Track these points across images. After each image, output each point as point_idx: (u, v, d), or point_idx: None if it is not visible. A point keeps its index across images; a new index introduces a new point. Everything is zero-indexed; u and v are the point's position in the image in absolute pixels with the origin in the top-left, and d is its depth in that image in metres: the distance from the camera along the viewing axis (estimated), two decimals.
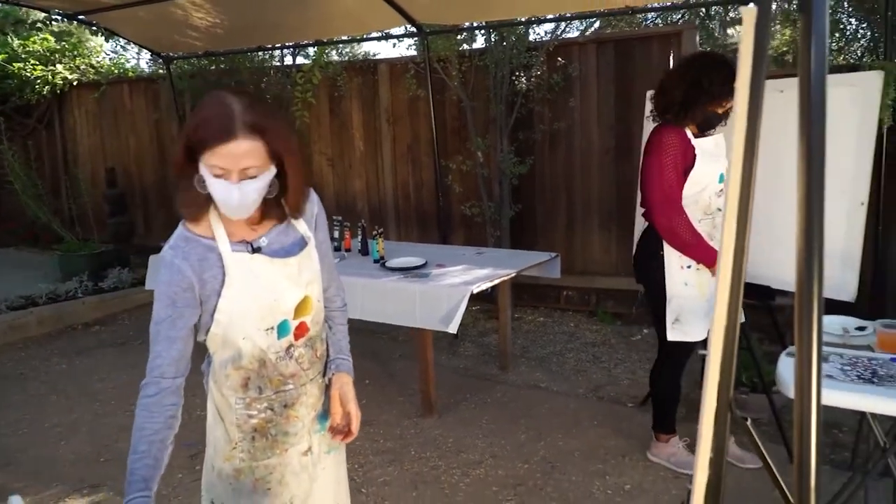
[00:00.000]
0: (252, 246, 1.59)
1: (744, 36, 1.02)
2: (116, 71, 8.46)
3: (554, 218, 5.72)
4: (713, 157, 2.97)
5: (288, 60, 6.72)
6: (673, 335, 3.07)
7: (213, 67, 6.62)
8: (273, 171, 1.50)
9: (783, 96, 3.25)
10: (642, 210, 3.21)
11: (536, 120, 5.55)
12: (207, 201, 1.52)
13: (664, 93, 2.96)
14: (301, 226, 1.69)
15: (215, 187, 1.45)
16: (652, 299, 3.23)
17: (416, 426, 3.79)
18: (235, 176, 1.43)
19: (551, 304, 5.81)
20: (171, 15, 4.89)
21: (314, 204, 1.73)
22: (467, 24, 5.19)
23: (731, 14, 8.37)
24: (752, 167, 1.04)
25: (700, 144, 2.94)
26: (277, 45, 6.37)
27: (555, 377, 4.44)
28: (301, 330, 1.67)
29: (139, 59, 8.87)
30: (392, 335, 5.27)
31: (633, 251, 3.32)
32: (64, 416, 4.05)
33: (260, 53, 6.54)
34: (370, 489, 3.16)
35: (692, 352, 3.22)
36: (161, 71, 6.81)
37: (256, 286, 1.56)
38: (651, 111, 3.10)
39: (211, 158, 1.42)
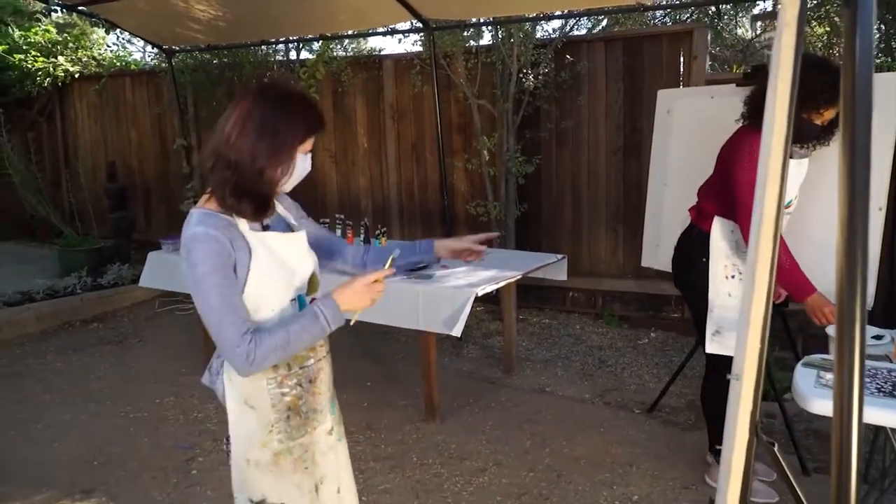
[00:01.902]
0: (262, 224, 1.69)
1: (784, 28, 0.92)
2: (119, 63, 8.37)
3: (560, 218, 5.63)
4: (791, 179, 2.77)
5: (292, 55, 6.62)
6: (712, 347, 2.95)
7: (215, 61, 6.52)
8: None
9: None
10: (691, 210, 3.08)
11: (543, 118, 5.45)
12: (273, 198, 1.71)
13: (759, 93, 2.75)
14: (286, 214, 1.83)
15: (306, 162, 1.67)
16: (693, 308, 3.11)
17: (419, 431, 3.70)
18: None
19: (557, 306, 5.72)
20: (173, 7, 4.80)
21: (297, 207, 1.91)
22: (474, 19, 5.08)
23: (741, 14, 8.27)
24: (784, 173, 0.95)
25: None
26: (281, 39, 6.28)
27: (560, 381, 4.34)
28: None
29: (144, 53, 8.78)
30: (394, 336, 5.18)
31: (672, 255, 3.17)
32: (57, 416, 3.96)
33: (263, 47, 6.44)
34: (370, 497, 3.07)
35: None
36: (163, 64, 6.72)
37: (275, 259, 1.64)
38: (742, 112, 2.86)
39: (311, 141, 1.65)
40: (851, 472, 0.99)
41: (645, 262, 4.05)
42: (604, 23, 7.30)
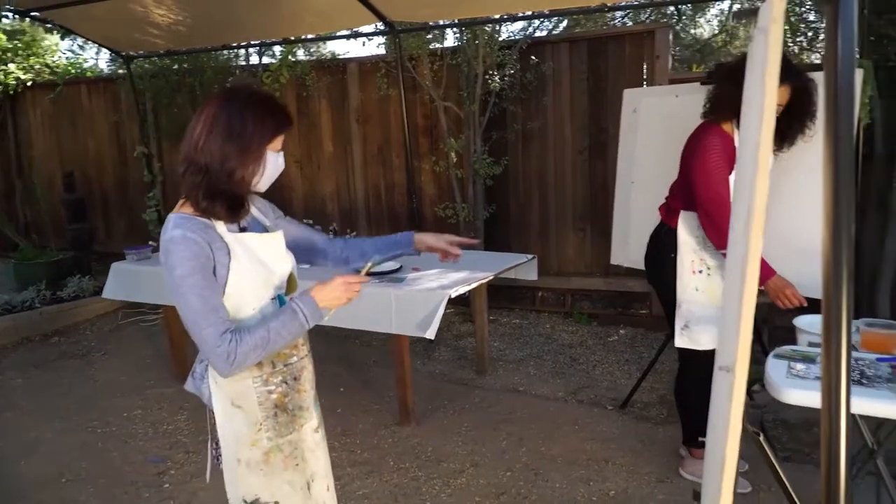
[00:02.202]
0: (239, 225, 1.72)
1: (772, 24, 0.93)
2: (73, 71, 8.18)
3: (528, 218, 5.65)
4: None
5: (254, 59, 6.55)
6: (681, 341, 3.00)
7: (175, 67, 6.41)
8: None
9: None
10: (663, 207, 3.12)
11: (510, 119, 5.48)
12: (247, 198, 1.71)
13: (718, 91, 2.81)
14: (261, 218, 1.85)
15: (277, 161, 1.68)
16: (664, 303, 3.15)
17: (394, 435, 3.68)
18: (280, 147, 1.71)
19: (526, 306, 5.74)
20: (131, 12, 4.70)
21: (273, 207, 1.94)
22: (439, 21, 5.08)
23: (698, 15, 8.43)
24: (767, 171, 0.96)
25: None
26: (242, 44, 6.20)
27: (533, 380, 4.36)
28: None
29: (98, 59, 8.60)
30: (365, 340, 5.15)
31: (645, 252, 3.21)
32: (21, 434, 3.84)
33: (224, 52, 6.35)
34: (349, 503, 3.04)
35: (712, 361, 3.11)
36: (121, 71, 6.58)
37: (253, 259, 1.66)
38: (703, 110, 2.91)
39: (280, 140, 1.67)
40: (841, 458, 1.01)
41: (614, 260, 4.09)
42: (563, 24, 7.36)
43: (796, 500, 1.78)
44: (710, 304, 2.95)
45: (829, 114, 0.90)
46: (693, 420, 3.13)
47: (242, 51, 6.43)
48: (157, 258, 4.59)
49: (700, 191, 2.76)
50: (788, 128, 2.77)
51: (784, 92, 2.69)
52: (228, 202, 1.62)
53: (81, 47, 7.93)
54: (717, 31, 8.95)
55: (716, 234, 2.78)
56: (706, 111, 2.86)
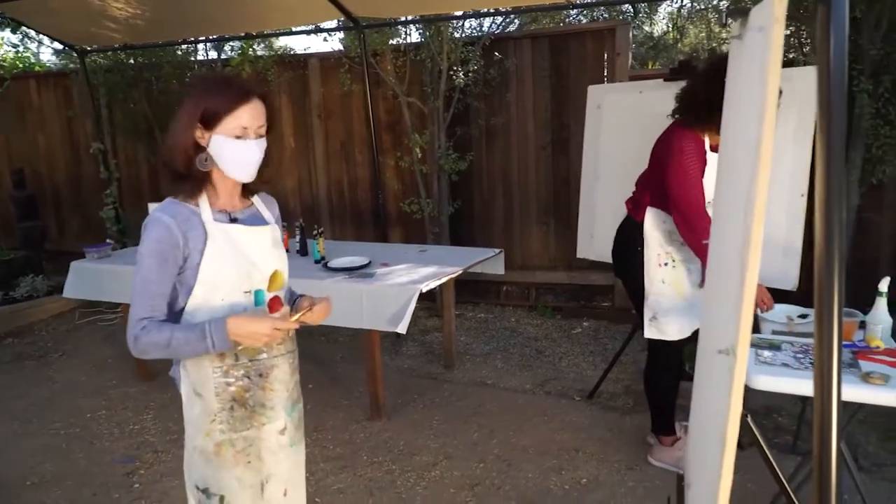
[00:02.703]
0: (230, 215, 1.74)
1: (774, 23, 0.97)
2: (21, 65, 7.93)
3: (492, 214, 5.71)
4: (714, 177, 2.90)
5: (213, 54, 6.45)
6: (649, 333, 3.07)
7: (131, 61, 6.27)
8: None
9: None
10: (627, 202, 3.19)
11: (473, 115, 5.52)
12: (204, 180, 1.69)
13: (690, 91, 2.85)
14: (265, 213, 1.85)
15: (235, 148, 1.63)
16: (632, 296, 3.22)
17: (365, 430, 3.69)
18: (253, 134, 1.65)
19: (491, 300, 5.80)
20: (88, 5, 4.59)
21: (275, 206, 1.92)
22: (403, 17, 5.09)
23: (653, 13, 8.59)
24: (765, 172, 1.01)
25: (712, 158, 2.83)
26: (201, 39, 6.11)
27: (501, 373, 4.41)
28: (276, 303, 1.78)
29: (40, 52, 8.32)
30: (332, 337, 5.14)
31: (612, 245, 3.27)
32: None
33: (183, 47, 6.24)
34: (324, 498, 3.04)
35: (681, 351, 3.20)
36: (73, 65, 6.41)
37: (234, 250, 1.68)
38: (673, 108, 2.95)
39: (233, 120, 1.62)
40: (832, 443, 1.05)
41: (580, 254, 4.16)
42: (517, 22, 7.35)
43: (783, 479, 1.85)
44: (676, 296, 3.04)
45: (822, 111, 0.94)
46: (662, 408, 3.21)
47: (201, 45, 6.33)
48: (117, 256, 4.50)
49: (678, 195, 2.83)
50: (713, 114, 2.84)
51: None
52: (188, 185, 1.67)
53: (29, 38, 7.63)
54: (667, 29, 9.15)
55: (690, 234, 2.85)
56: (679, 112, 2.92)
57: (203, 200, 1.70)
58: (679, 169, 2.81)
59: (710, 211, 2.89)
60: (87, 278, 4.30)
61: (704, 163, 2.82)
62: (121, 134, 6.66)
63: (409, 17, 5.09)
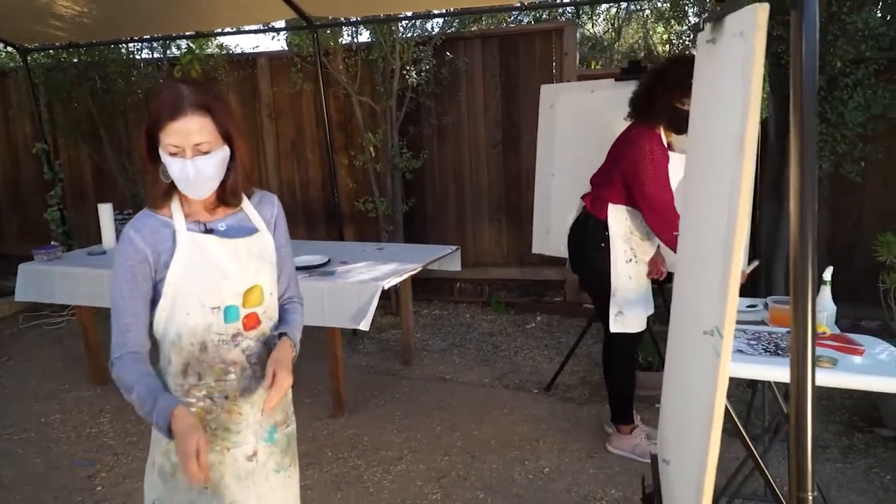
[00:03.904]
0: (205, 226, 1.66)
1: (757, 30, 1.06)
2: None
3: (445, 211, 5.78)
4: (675, 173, 3.02)
5: (158, 53, 6.32)
6: (615, 327, 3.17)
7: (75, 60, 6.10)
8: (226, 150, 1.59)
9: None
10: (584, 198, 3.27)
11: (425, 114, 5.57)
12: (171, 190, 1.62)
13: (647, 92, 2.98)
14: (256, 219, 1.73)
15: (172, 166, 1.54)
16: (594, 291, 3.32)
17: (328, 427, 3.71)
18: (189, 152, 1.53)
19: (445, 297, 5.87)
20: (32, 2, 4.46)
21: (274, 206, 1.79)
22: (354, 18, 5.11)
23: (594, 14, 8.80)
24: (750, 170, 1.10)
25: (671, 157, 2.99)
26: (146, 37, 5.98)
27: (459, 368, 4.49)
28: (251, 321, 1.68)
29: None
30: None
31: (567, 240, 3.36)
32: None
33: (129, 45, 6.10)
34: None
35: (640, 341, 3.33)
36: (11, 64, 6.19)
37: (203, 262, 1.61)
38: (630, 110, 3.09)
39: (166, 138, 1.52)
40: (808, 429, 1.14)
41: (536, 249, 4.27)
42: (455, 23, 7.29)
43: (764, 468, 1.96)
44: (639, 289, 3.17)
45: (795, 112, 1.03)
46: (621, 398, 3.33)
47: (146, 44, 6.19)
48: (67, 258, 4.40)
49: (651, 192, 2.96)
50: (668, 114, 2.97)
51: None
52: (159, 191, 1.62)
53: None
54: (606, 30, 9.40)
55: (662, 227, 2.99)
56: (638, 113, 3.05)
57: (176, 209, 1.62)
58: (649, 167, 2.94)
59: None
60: (38, 280, 4.18)
61: (668, 159, 2.96)
62: (63, 134, 6.47)
63: (360, 18, 5.11)
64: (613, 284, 3.14)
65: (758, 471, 2.17)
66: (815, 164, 1.04)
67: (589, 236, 3.20)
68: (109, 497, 3.08)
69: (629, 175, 3.01)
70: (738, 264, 1.04)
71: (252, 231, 1.71)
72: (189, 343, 1.62)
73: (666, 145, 3.00)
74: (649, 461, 3.25)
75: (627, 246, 3.13)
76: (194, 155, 1.53)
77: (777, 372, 2.30)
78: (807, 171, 1.02)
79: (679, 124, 2.90)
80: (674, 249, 2.96)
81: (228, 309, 1.63)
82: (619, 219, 3.12)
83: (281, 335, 1.73)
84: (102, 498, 3.07)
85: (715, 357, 1.09)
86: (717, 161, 1.20)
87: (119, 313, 1.57)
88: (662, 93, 2.88)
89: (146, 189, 1.65)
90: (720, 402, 1.06)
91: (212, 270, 1.60)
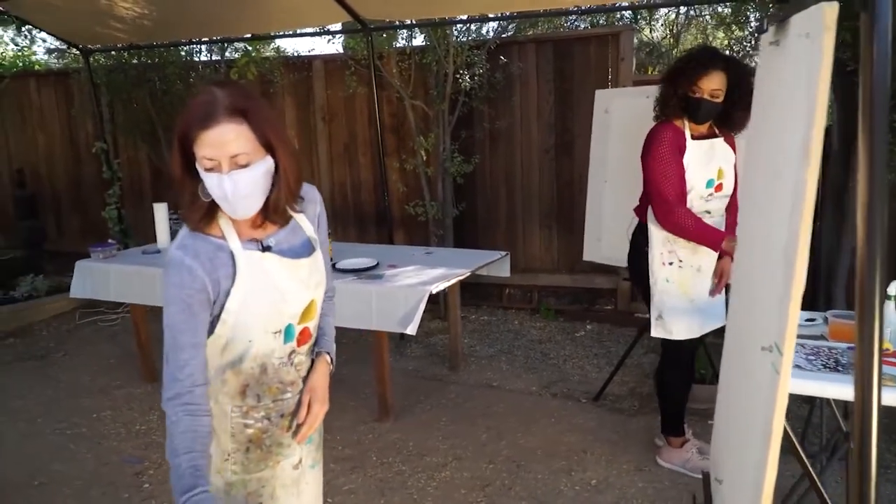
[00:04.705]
0: (262, 244, 1.53)
1: (825, 31, 1.00)
2: (21, 64, 7.90)
3: (496, 216, 5.73)
4: (703, 163, 2.97)
5: (216, 56, 6.44)
6: (656, 332, 3.10)
7: (135, 61, 6.26)
8: (269, 161, 1.43)
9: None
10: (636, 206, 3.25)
11: (478, 118, 5.54)
12: (213, 208, 1.47)
13: (667, 90, 2.98)
14: (307, 226, 1.63)
15: (209, 182, 1.38)
16: (643, 297, 3.26)
17: (374, 431, 3.70)
18: (226, 166, 1.37)
19: (494, 303, 5.82)
20: (94, 4, 4.59)
21: (317, 203, 1.68)
22: (409, 21, 5.11)
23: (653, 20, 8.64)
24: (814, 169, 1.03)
25: (694, 146, 2.95)
26: (205, 40, 6.10)
27: (506, 375, 4.43)
28: (304, 336, 1.63)
29: (34, 51, 8.27)
30: (336, 339, 5.13)
31: (617, 247, 3.37)
32: None
33: (187, 47, 6.24)
34: (336, 498, 3.05)
35: (694, 352, 3.23)
36: (75, 65, 6.39)
37: (267, 285, 1.50)
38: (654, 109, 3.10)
39: (200, 150, 1.37)
40: (871, 451, 1.07)
41: (587, 256, 4.19)
42: (510, 27, 7.27)
43: (821, 488, 1.87)
44: (682, 295, 3.07)
45: (864, 120, 0.97)
46: (673, 410, 3.23)
47: (205, 46, 6.32)
48: (122, 256, 4.50)
49: (650, 186, 3.00)
50: (730, 112, 2.91)
51: (721, 78, 2.85)
52: (201, 211, 1.47)
53: (29, 37, 7.61)
54: (664, 35, 9.21)
55: (661, 219, 2.99)
56: (655, 108, 3.05)
57: (227, 226, 1.48)
58: (650, 161, 2.97)
59: (692, 200, 2.99)
60: (93, 277, 4.29)
61: (680, 151, 2.93)
62: (122, 134, 6.65)
63: (415, 21, 5.11)
64: (651, 287, 3.09)
65: (814, 491, 2.07)
66: (884, 175, 0.96)
67: (634, 239, 3.20)
68: (156, 495, 3.12)
69: (642, 171, 3.03)
70: (801, 279, 0.98)
71: (307, 244, 1.61)
72: (249, 367, 1.54)
73: (689, 136, 2.95)
74: (700, 476, 3.15)
75: (666, 249, 3.06)
76: (231, 168, 1.37)
77: (837, 389, 2.19)
78: (875, 184, 0.95)
79: (693, 112, 2.90)
80: (694, 240, 2.98)
81: (287, 329, 1.56)
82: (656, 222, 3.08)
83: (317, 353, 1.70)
84: (149, 495, 3.12)
85: (774, 374, 1.03)
86: (778, 170, 1.13)
87: (175, 346, 1.43)
88: (667, 84, 2.93)
89: (184, 208, 1.47)
90: (779, 421, 1.00)
91: (272, 293, 1.50)
